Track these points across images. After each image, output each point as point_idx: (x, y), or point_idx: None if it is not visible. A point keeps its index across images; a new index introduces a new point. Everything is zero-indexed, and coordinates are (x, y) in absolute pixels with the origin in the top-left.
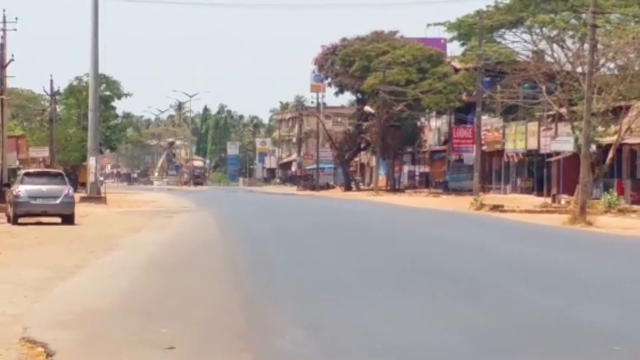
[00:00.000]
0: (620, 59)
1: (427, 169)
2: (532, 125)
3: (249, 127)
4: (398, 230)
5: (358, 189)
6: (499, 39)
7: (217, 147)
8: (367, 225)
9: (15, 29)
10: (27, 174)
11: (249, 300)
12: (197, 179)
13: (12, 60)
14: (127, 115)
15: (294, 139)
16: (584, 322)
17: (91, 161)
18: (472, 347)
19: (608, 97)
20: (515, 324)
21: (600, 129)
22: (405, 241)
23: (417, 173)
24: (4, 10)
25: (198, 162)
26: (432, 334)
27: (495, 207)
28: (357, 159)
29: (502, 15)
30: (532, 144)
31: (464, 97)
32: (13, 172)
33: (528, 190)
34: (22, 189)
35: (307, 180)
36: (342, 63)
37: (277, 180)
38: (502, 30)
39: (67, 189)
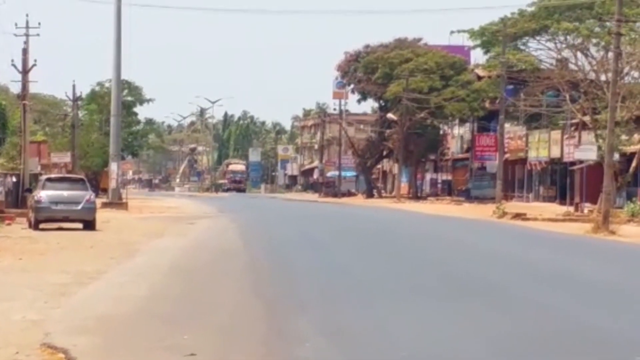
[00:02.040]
0: None
1: (449, 177)
2: (556, 134)
3: (271, 134)
4: (421, 237)
5: (380, 196)
6: (522, 47)
7: (239, 153)
8: (390, 232)
9: (38, 34)
10: (49, 180)
11: (271, 306)
12: (239, 184)
13: (34, 65)
14: (149, 121)
15: (316, 146)
16: (608, 331)
17: (113, 167)
18: (497, 356)
19: (632, 106)
20: (540, 333)
21: (624, 137)
22: (429, 249)
23: (439, 181)
24: (27, 16)
25: (239, 166)
26: (457, 342)
27: (518, 215)
28: (379, 166)
29: (526, 22)
30: (555, 153)
31: (487, 104)
32: (35, 178)
33: (551, 199)
34: (43, 195)
35: (329, 188)
36: (364, 70)
37: (299, 187)
38: (526, 38)
39: (88, 194)
